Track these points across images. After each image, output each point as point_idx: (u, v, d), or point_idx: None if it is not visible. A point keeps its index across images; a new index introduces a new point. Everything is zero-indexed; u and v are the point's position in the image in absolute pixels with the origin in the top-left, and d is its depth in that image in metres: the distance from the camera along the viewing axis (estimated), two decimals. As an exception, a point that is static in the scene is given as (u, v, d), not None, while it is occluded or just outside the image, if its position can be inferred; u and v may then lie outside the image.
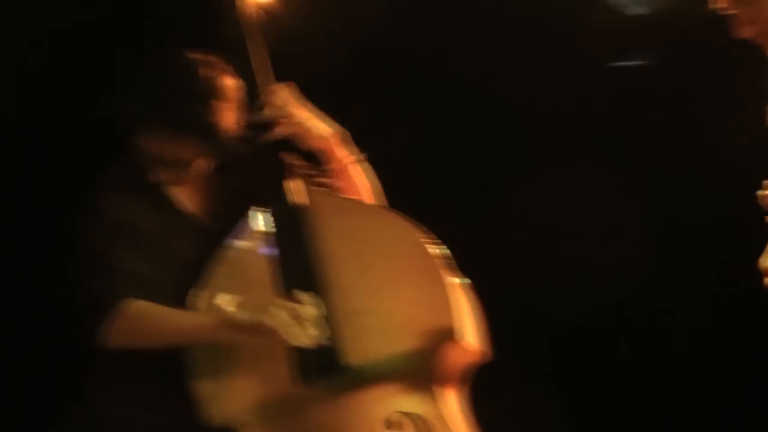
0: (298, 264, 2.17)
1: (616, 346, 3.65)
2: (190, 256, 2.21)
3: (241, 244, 2.22)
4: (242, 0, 2.25)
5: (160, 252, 2.18)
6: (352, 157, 2.32)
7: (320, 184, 2.30)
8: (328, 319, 2.11)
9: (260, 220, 2.23)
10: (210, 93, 2.22)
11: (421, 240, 2.19)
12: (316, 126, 2.28)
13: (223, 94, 2.24)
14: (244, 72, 2.27)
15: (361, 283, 2.17)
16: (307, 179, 2.29)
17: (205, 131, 2.23)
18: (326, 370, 2.11)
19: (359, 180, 2.33)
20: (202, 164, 2.30)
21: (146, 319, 2.12)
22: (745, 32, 2.08)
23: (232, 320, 2.08)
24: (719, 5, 2.12)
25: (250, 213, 2.24)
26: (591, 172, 3.41)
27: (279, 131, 2.25)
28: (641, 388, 3.58)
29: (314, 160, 2.34)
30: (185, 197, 2.29)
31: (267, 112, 2.24)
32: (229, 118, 2.26)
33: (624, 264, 3.40)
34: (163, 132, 2.23)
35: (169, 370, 2.13)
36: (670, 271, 3.52)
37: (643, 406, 3.59)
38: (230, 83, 2.26)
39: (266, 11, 2.29)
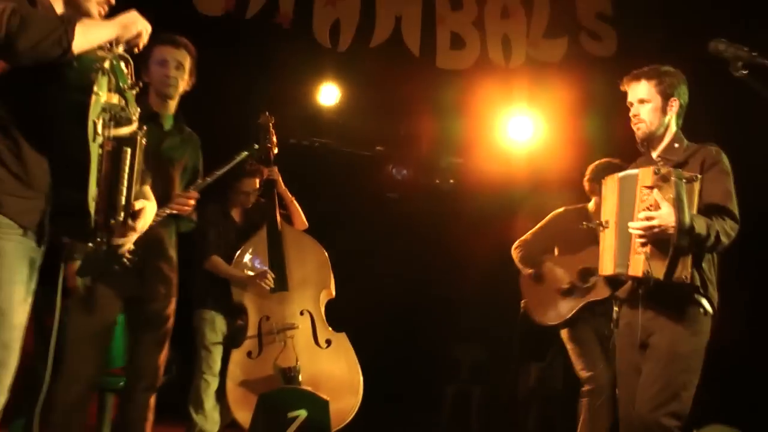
0: (276, 254, 5.58)
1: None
2: (234, 241, 5.66)
3: (258, 240, 5.63)
4: None
5: (224, 237, 5.64)
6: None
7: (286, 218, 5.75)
8: (283, 279, 5.52)
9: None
10: None
11: (324, 253, 5.64)
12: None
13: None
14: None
15: (299, 268, 5.57)
16: (282, 214, 5.73)
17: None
18: (279, 287, 5.47)
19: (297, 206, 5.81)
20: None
21: (218, 266, 5.54)
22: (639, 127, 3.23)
23: (244, 274, 5.50)
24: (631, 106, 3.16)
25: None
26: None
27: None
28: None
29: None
30: (236, 214, 5.76)
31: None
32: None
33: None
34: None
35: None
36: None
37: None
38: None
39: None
